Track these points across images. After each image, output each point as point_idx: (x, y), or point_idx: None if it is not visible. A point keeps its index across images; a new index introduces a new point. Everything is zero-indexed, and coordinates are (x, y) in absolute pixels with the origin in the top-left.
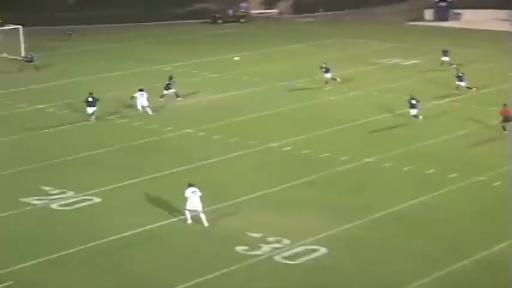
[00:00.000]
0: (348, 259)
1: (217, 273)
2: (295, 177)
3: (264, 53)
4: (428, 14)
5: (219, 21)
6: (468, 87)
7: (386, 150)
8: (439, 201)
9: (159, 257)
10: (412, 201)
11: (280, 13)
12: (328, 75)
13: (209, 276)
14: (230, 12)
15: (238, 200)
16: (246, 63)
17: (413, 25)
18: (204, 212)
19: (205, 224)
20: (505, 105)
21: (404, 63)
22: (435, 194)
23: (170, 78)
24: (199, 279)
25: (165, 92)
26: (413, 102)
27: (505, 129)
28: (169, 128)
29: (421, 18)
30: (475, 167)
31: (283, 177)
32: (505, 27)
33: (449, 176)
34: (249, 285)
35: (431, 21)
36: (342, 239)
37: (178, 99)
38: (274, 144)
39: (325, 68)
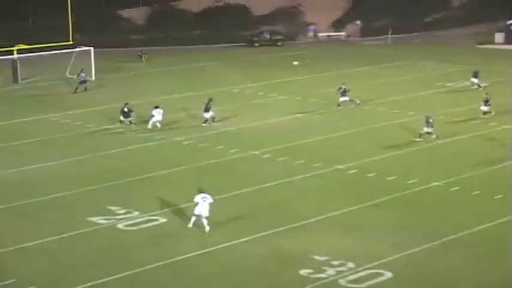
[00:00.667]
0: (412, 285)
1: None
2: (362, 199)
3: (331, 75)
4: (499, 37)
5: (256, 45)
6: (487, 112)
7: (454, 174)
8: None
9: (225, 277)
10: (480, 227)
11: (348, 36)
12: (346, 98)
13: None
14: (267, 36)
15: (304, 222)
16: (312, 85)
17: (482, 48)
18: (208, 218)
19: (207, 228)
20: None
21: (474, 88)
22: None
23: (210, 100)
24: None
25: (205, 114)
26: (430, 120)
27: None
28: (234, 150)
29: (491, 41)
30: None
31: (349, 199)
32: None
33: None
34: None
35: (502, 44)
36: (408, 264)
37: (214, 123)
38: (341, 167)
39: (343, 89)
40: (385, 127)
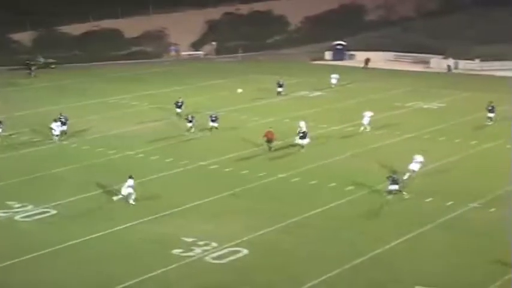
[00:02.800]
0: (265, 259)
1: (157, 272)
2: (222, 190)
3: (194, 87)
4: (328, 55)
5: (33, 68)
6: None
7: (293, 168)
8: (338, 210)
9: (107, 257)
10: (316, 210)
11: (205, 54)
12: (179, 111)
13: (150, 275)
14: (41, 60)
15: (174, 210)
16: (179, 95)
17: (315, 64)
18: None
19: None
20: (270, 128)
21: (311, 95)
22: (333, 204)
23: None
24: (142, 277)
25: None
26: (302, 131)
27: (270, 148)
28: (113, 151)
29: (322, 58)
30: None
31: (211, 190)
32: (394, 65)
33: (346, 189)
34: (184, 283)
35: (330, 61)
36: (261, 242)
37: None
38: (203, 163)
39: (180, 102)
40: (242, 130)
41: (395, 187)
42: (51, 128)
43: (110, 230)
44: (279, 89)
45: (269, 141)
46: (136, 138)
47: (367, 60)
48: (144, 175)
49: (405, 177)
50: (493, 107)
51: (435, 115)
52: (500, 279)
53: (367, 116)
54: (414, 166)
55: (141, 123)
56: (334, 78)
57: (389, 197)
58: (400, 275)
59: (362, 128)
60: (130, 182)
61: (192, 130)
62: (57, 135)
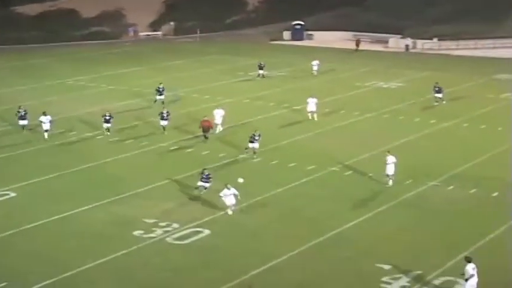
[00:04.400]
0: (227, 238)
1: (117, 253)
2: (181, 171)
3: (153, 67)
4: (286, 34)
5: None
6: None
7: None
8: (299, 189)
9: (67, 240)
10: (278, 190)
11: (164, 35)
12: (162, 97)
13: (111, 257)
14: None
15: (135, 191)
16: (138, 76)
17: (274, 44)
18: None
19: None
20: (205, 116)
21: (270, 75)
22: (295, 183)
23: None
24: (103, 259)
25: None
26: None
27: (206, 138)
28: (73, 133)
29: (281, 38)
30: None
31: (171, 171)
32: (353, 45)
33: (308, 168)
34: (145, 264)
35: (289, 41)
36: (222, 222)
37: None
38: (163, 144)
39: (161, 88)
40: (199, 110)
41: None
42: (41, 122)
43: (70, 212)
44: (260, 71)
45: (205, 130)
46: (95, 120)
47: (357, 42)
48: (103, 157)
49: (388, 185)
50: (439, 87)
51: (394, 94)
52: (459, 256)
53: (312, 102)
54: (389, 170)
55: (99, 105)
56: (315, 65)
57: None
58: (362, 253)
59: (309, 116)
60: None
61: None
62: (46, 130)
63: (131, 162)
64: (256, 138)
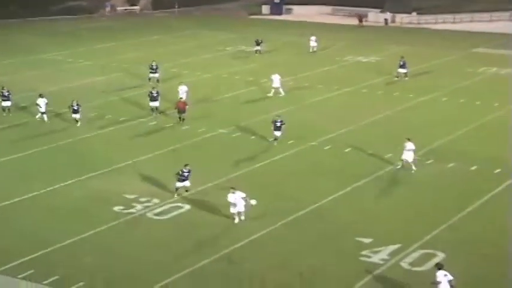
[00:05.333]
0: (205, 213)
1: (98, 229)
2: (162, 147)
3: (131, 43)
4: (265, 8)
5: None
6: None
7: (234, 123)
8: (279, 164)
9: (47, 216)
10: (260, 163)
11: (141, 9)
12: (156, 75)
13: (91, 232)
14: None
15: (114, 167)
16: (116, 51)
17: (253, 18)
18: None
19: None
20: (181, 98)
21: (249, 50)
22: (275, 158)
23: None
24: (83, 235)
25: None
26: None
27: (181, 119)
28: (50, 108)
29: (260, 13)
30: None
31: (152, 147)
32: (332, 19)
33: (288, 143)
34: (125, 239)
35: (268, 15)
36: (201, 197)
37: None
38: (143, 120)
39: (155, 66)
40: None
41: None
42: (38, 105)
43: (49, 188)
44: (257, 47)
45: (180, 111)
46: (71, 96)
47: (360, 18)
48: (83, 133)
49: (398, 166)
50: (404, 62)
51: (373, 69)
52: (438, 229)
53: (276, 78)
54: (407, 155)
55: (77, 80)
56: (312, 41)
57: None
58: (342, 227)
59: (272, 92)
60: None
61: (78, 124)
62: (43, 113)
63: (110, 138)
64: (278, 124)
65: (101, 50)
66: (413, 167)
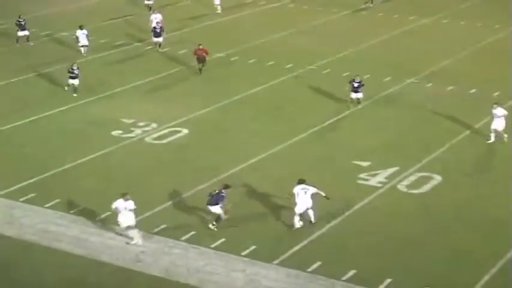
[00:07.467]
0: (204, 138)
1: (97, 153)
2: (159, 71)
3: None
4: None
5: None
6: None
7: (232, 46)
8: (277, 88)
9: (45, 141)
10: (256, 88)
11: None
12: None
13: (90, 156)
14: None
15: (111, 92)
16: None
17: None
18: (313, 208)
19: (313, 219)
20: (199, 44)
21: None
22: (274, 82)
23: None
24: (83, 159)
25: None
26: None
27: (200, 70)
28: (63, 34)
29: None
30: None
31: (149, 71)
32: None
33: (286, 67)
34: (124, 163)
35: None
36: (198, 121)
37: None
38: (138, 44)
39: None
40: (174, 10)
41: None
42: (76, 37)
43: (47, 113)
44: None
45: (201, 60)
46: (67, 19)
47: None
48: (80, 57)
49: (490, 140)
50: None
51: None
52: (436, 152)
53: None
54: (498, 124)
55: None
56: None
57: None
58: (340, 150)
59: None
60: None
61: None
62: (83, 46)
63: (107, 62)
64: (356, 85)
65: None
66: (505, 136)
